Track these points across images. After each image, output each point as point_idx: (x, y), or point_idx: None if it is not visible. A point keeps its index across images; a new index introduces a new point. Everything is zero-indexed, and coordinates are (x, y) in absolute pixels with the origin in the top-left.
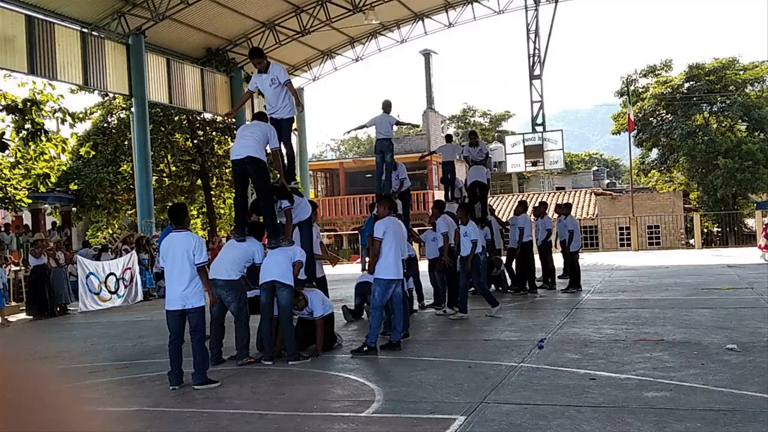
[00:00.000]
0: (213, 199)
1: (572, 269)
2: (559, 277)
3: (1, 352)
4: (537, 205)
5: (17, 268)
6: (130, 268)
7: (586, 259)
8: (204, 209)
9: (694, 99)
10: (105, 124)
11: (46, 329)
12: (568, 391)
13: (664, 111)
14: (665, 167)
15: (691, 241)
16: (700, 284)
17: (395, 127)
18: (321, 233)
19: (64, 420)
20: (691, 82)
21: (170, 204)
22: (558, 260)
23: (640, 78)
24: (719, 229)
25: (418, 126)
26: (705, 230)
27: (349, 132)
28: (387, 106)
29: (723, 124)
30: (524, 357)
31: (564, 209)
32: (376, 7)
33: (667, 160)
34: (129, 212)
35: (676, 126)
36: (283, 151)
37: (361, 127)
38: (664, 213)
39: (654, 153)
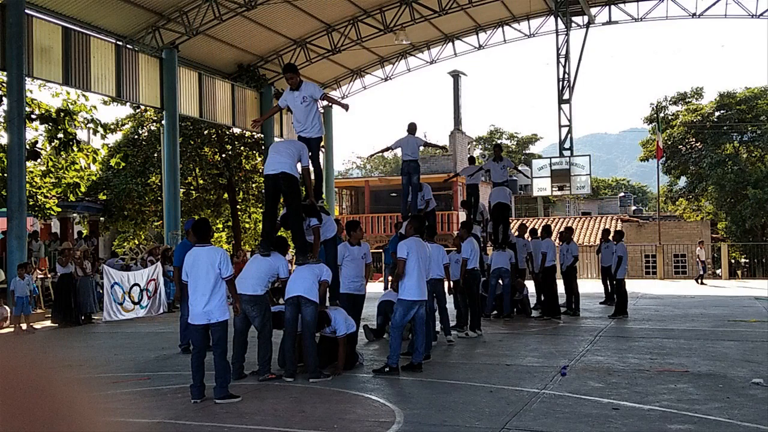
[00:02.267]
0: (239, 213)
1: (619, 296)
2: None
3: (25, 358)
4: (563, 230)
5: (43, 275)
6: (154, 280)
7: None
8: (229, 223)
9: (725, 128)
10: (135, 136)
11: (70, 337)
12: (591, 420)
13: (694, 139)
14: (693, 196)
15: (718, 272)
16: (726, 316)
17: (421, 148)
18: None
19: (84, 428)
20: (722, 111)
21: (196, 217)
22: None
23: (670, 105)
24: (747, 260)
25: (445, 147)
26: (732, 260)
27: (373, 155)
28: (412, 128)
29: (753, 154)
30: (546, 383)
31: (617, 236)
32: (406, 28)
33: (695, 189)
34: (156, 224)
35: (706, 155)
36: (311, 168)
37: (386, 149)
38: (691, 242)
39: (682, 181)
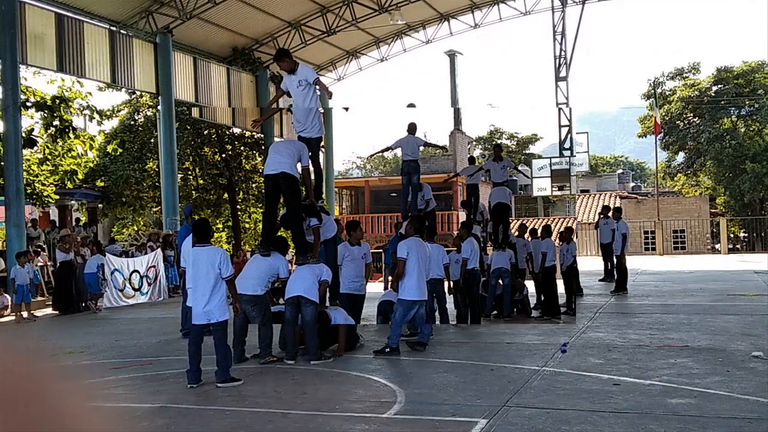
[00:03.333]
0: (239, 213)
1: (620, 272)
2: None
3: (7, 349)
4: (563, 230)
5: (43, 263)
6: (154, 266)
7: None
8: (230, 223)
9: (722, 102)
10: (132, 122)
11: (71, 324)
12: (591, 396)
13: (692, 114)
14: (691, 171)
15: (717, 246)
16: (726, 290)
17: (421, 148)
18: None
19: (65, 418)
20: (719, 86)
21: (196, 216)
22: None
23: (668, 81)
24: (746, 234)
25: (445, 148)
26: (731, 235)
27: (373, 155)
28: (412, 128)
29: (751, 128)
30: (547, 361)
31: (616, 213)
32: (401, 8)
33: (693, 164)
34: (154, 209)
35: (704, 130)
36: (311, 169)
37: (386, 149)
38: (690, 217)
39: (680, 157)
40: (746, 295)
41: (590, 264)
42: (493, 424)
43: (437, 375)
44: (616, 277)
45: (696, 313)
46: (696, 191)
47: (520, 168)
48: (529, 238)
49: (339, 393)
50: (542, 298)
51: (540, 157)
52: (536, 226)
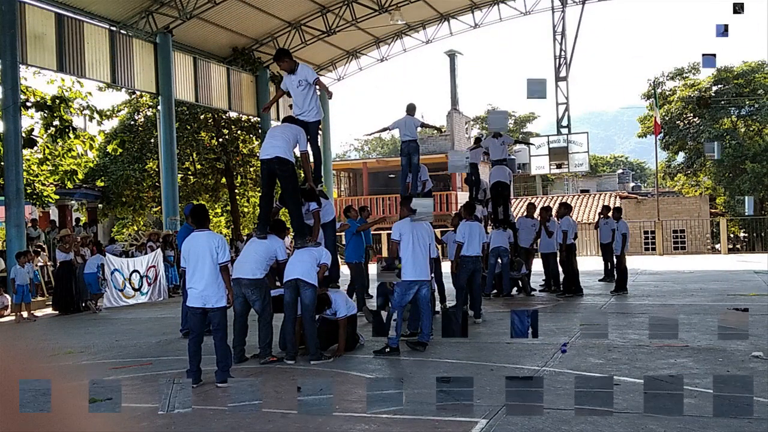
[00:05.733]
0: (237, 197)
1: (620, 272)
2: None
3: (7, 349)
4: (558, 206)
5: (42, 263)
6: (154, 266)
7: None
8: (228, 207)
9: (722, 102)
10: (132, 122)
11: (71, 324)
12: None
13: (692, 114)
14: (691, 171)
15: (717, 246)
16: (726, 290)
17: (419, 129)
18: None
19: (65, 418)
20: (719, 86)
21: (195, 202)
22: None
23: (668, 81)
24: (746, 234)
25: (442, 128)
26: (731, 235)
27: (370, 134)
28: (411, 109)
29: (751, 128)
30: (547, 361)
31: (616, 213)
32: (401, 8)
33: (693, 164)
34: (154, 209)
35: (704, 130)
36: (310, 152)
37: (383, 130)
38: (690, 217)
39: (680, 157)
40: (746, 295)
41: (590, 264)
42: (493, 424)
43: (437, 375)
44: (616, 277)
45: (696, 313)
46: (696, 191)
47: (520, 137)
48: (539, 217)
49: (339, 393)
50: (549, 278)
51: (538, 135)
52: (551, 204)
